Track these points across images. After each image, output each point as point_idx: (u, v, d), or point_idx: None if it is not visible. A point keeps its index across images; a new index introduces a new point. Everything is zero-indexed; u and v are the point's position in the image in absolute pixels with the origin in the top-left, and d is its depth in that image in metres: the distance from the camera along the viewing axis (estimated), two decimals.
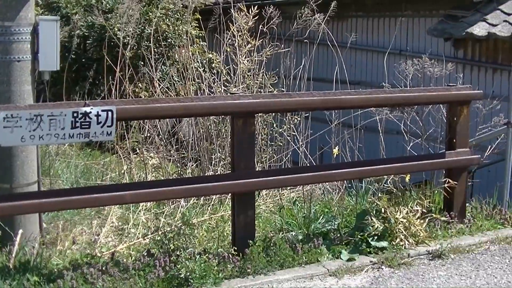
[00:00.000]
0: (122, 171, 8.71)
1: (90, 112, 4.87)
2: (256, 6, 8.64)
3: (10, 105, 5.12)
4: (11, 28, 5.71)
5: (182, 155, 8.88)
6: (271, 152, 8.59)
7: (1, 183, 5.87)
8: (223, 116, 7.93)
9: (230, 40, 8.62)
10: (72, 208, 6.14)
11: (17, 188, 5.84)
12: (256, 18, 8.53)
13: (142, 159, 8.90)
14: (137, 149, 9.13)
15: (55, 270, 5.39)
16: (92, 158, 9.63)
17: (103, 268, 5.22)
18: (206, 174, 8.03)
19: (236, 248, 5.64)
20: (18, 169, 5.84)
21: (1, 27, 5.72)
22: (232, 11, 8.72)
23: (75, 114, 4.86)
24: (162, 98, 7.19)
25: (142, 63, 10.63)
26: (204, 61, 9.57)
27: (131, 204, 6.90)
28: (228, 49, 8.66)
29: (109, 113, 4.92)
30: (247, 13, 8.52)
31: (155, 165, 8.83)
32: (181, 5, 11.93)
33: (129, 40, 9.56)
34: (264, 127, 8.62)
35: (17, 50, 5.74)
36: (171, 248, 5.65)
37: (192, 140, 8.69)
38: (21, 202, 5.13)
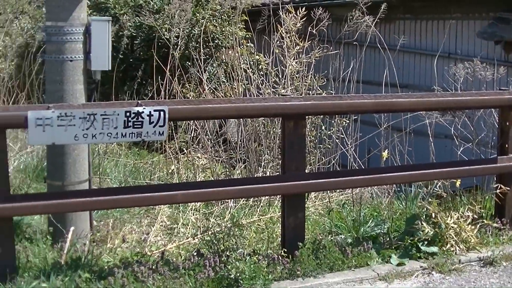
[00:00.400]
0: (170, 171, 8.76)
1: (143, 112, 4.89)
2: (304, 8, 8.62)
3: (64, 104, 5.16)
4: (64, 28, 5.78)
5: (230, 156, 8.89)
6: (319, 155, 8.54)
7: (53, 180, 5.95)
8: (272, 117, 7.91)
9: (278, 42, 8.60)
10: (123, 206, 6.19)
11: (69, 185, 5.90)
12: (304, 19, 8.51)
13: (189, 159, 8.94)
14: (184, 149, 9.16)
15: (106, 267, 5.43)
16: (140, 157, 9.69)
17: (153, 267, 5.24)
18: (255, 176, 8.02)
19: (285, 250, 5.62)
20: (70, 167, 5.90)
21: (54, 27, 5.79)
22: (281, 12, 8.70)
23: (127, 114, 4.88)
24: (214, 99, 7.19)
25: (189, 63, 10.65)
26: (252, 62, 9.56)
27: (180, 204, 6.92)
28: (277, 51, 8.63)
29: (161, 113, 4.94)
30: (295, 15, 8.49)
31: (202, 166, 8.85)
32: (228, 6, 11.95)
33: (177, 40, 9.58)
34: (313, 129, 8.59)
35: (69, 50, 5.81)
36: (221, 248, 5.65)
37: (240, 141, 8.69)
38: (72, 200, 5.18)
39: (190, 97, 9.99)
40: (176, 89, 9.22)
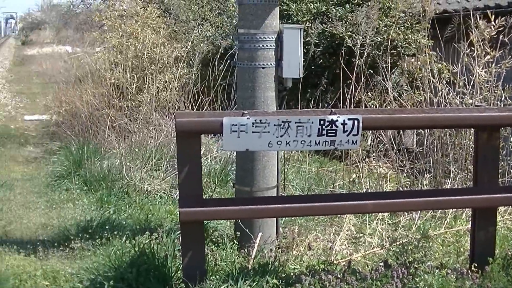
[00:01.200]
0: (351, 179, 8.70)
1: (337, 120, 4.86)
2: (493, 15, 8.30)
3: (258, 111, 5.23)
4: (256, 36, 5.86)
5: (411, 166, 8.71)
6: (507, 167, 8.20)
7: (242, 186, 6.05)
8: (465, 128, 7.68)
9: (468, 50, 8.33)
10: (312, 215, 6.20)
11: (257, 191, 5.98)
12: (497, 27, 8.20)
13: (370, 168, 8.84)
14: (365, 157, 9.07)
15: (292, 274, 5.45)
16: (320, 164, 9.69)
17: (340, 276, 5.19)
18: (444, 187, 7.82)
19: (475, 265, 5.41)
20: (259, 173, 5.98)
21: (247, 35, 5.89)
22: (471, 20, 8.42)
23: (322, 122, 4.86)
24: (407, 109, 7.09)
25: (371, 71, 10.56)
26: (435, 70, 9.33)
27: (366, 214, 6.85)
28: (466, 59, 8.37)
29: (355, 122, 4.88)
30: (493, 23, 8.18)
31: (383, 175, 8.73)
32: (410, 13, 11.75)
33: (359, 48, 9.51)
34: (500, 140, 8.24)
35: (262, 57, 5.88)
36: (409, 260, 5.53)
37: (423, 150, 8.50)
38: (262, 206, 5.22)
39: (373, 106, 9.88)
40: (358, 97, 9.15)
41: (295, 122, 4.83)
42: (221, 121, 4.73)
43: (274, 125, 4.81)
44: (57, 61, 25.11)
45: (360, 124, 4.89)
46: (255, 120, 4.77)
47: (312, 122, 4.86)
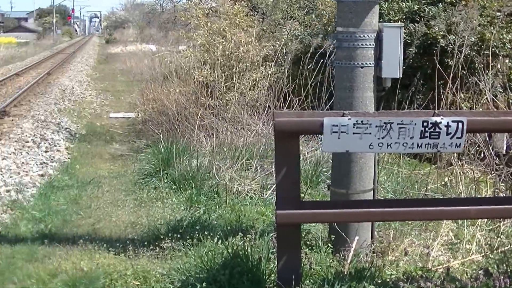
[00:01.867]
0: (443, 183, 8.45)
1: (440, 122, 4.67)
2: None
3: (359, 112, 5.08)
4: (355, 34, 5.72)
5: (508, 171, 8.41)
6: None
7: (338, 188, 5.91)
8: None
9: None
10: (412, 219, 6.02)
11: (353, 194, 5.84)
12: None
13: (463, 171, 8.57)
14: (457, 160, 8.80)
15: (389, 280, 5.30)
16: (412, 167, 9.45)
17: (439, 284, 5.02)
18: None
19: None
20: (356, 175, 5.83)
21: (346, 33, 5.75)
22: None
23: (425, 124, 4.68)
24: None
25: (464, 72, 10.25)
26: None
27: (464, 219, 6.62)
28: None
29: (460, 124, 4.69)
30: None
31: (476, 179, 8.45)
32: (505, 12, 11.39)
33: (456, 48, 9.24)
34: None
35: (360, 56, 5.74)
36: (511, 269, 5.30)
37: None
38: (359, 210, 5.08)
39: (466, 108, 9.60)
40: (451, 98, 8.88)
41: (397, 124, 4.67)
42: (321, 121, 4.60)
43: (376, 126, 4.66)
44: (141, 59, 25.43)
45: (465, 127, 4.69)
46: (356, 121, 4.63)
47: (415, 124, 4.69)
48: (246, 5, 14.43)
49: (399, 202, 5.94)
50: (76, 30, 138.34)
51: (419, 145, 4.73)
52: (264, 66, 12.08)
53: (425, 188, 8.29)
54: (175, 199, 8.17)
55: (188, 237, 6.32)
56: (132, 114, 16.39)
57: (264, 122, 10.70)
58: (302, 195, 7.55)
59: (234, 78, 11.77)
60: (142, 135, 13.23)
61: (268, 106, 10.88)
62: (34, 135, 13.60)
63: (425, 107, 10.15)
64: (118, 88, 24.91)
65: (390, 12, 11.88)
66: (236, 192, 8.19)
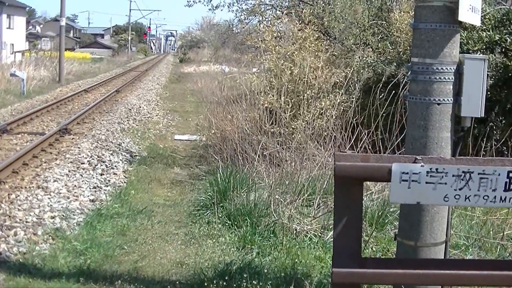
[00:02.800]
0: None
1: None
2: None
3: (434, 157, 4.38)
4: (433, 66, 5.05)
5: None
6: None
7: (405, 239, 5.23)
8: None
9: None
10: (495, 285, 5.26)
11: (423, 247, 5.14)
12: None
13: None
14: None
15: None
16: (486, 209, 8.64)
17: None
18: None
19: None
20: (426, 226, 5.14)
21: (422, 64, 5.09)
22: None
23: (510, 174, 3.98)
24: None
25: None
26: None
27: None
28: None
29: None
30: None
31: None
32: None
33: None
34: None
35: (437, 91, 5.06)
36: None
37: None
38: (430, 272, 4.35)
39: None
40: None
41: (478, 174, 3.97)
42: (389, 167, 3.95)
43: (453, 175, 3.97)
44: (212, 80, 25.06)
45: None
46: (430, 169, 3.96)
47: (499, 174, 3.98)
48: (317, 29, 13.82)
49: (476, 263, 5.19)
50: (151, 48, 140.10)
51: (503, 199, 4.03)
52: (334, 93, 11.42)
53: (501, 235, 7.52)
54: (228, 237, 7.57)
55: (235, 285, 5.70)
56: (197, 136, 15.91)
57: (330, 153, 10.04)
58: (366, 238, 6.91)
59: (301, 106, 11.15)
60: (203, 160, 12.72)
61: (335, 136, 10.22)
62: (91, 156, 13.21)
63: (503, 144, 9.42)
64: (187, 109, 24.57)
65: (469, 41, 11.11)
66: (294, 231, 7.54)
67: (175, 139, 17.37)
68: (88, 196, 10.14)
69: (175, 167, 13.06)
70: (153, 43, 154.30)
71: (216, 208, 8.48)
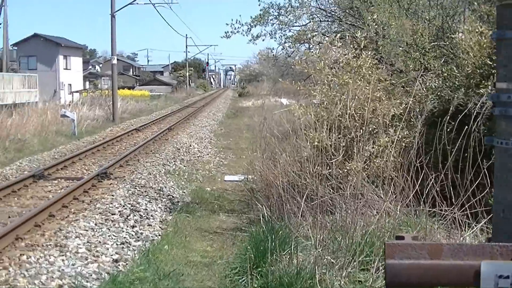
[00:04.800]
0: None
1: None
2: None
3: None
4: None
5: None
6: None
7: None
8: None
9: None
10: None
11: None
12: None
13: None
14: None
15: None
16: None
17: None
18: None
19: None
20: None
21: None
22: None
23: None
24: None
25: None
26: None
27: None
28: None
29: None
30: None
31: None
32: None
33: None
34: None
35: None
36: None
37: None
38: None
39: None
40: None
41: None
42: (475, 267, 2.40)
43: None
44: (270, 114, 23.65)
45: None
46: None
47: None
48: (373, 55, 12.22)
49: None
50: (211, 83, 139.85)
51: None
52: (394, 128, 9.80)
53: None
54: None
55: None
56: (243, 178, 14.44)
57: (392, 200, 8.45)
58: None
59: (357, 143, 9.57)
60: (250, 207, 11.24)
61: (395, 177, 8.62)
62: (123, 206, 11.81)
63: None
64: (241, 146, 23.18)
65: None
66: None
67: (225, 180, 16.00)
68: (112, 255, 8.76)
69: (220, 214, 11.72)
70: (213, 78, 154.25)
71: (249, 276, 6.93)
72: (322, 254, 6.76)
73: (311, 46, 16.04)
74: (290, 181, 9.58)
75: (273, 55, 20.84)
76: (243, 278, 7.11)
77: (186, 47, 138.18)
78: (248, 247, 7.92)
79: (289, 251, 7.11)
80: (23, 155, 19.98)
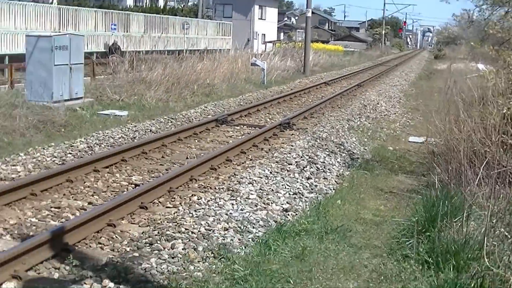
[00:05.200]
0: None
1: None
2: None
3: None
4: None
5: None
6: None
7: None
8: None
9: None
10: None
11: None
12: None
13: None
14: None
15: None
16: None
17: None
18: None
19: None
20: None
21: None
22: None
23: None
24: None
25: None
26: None
27: None
28: None
29: None
30: None
31: None
32: None
33: None
34: None
35: None
36: None
37: None
38: None
39: None
40: None
41: None
42: None
43: None
44: (463, 78, 22.81)
45: None
46: None
47: None
48: None
49: None
50: (407, 43, 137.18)
51: None
52: None
53: None
54: (422, 285, 5.79)
55: None
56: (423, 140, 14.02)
57: None
58: None
59: None
60: (429, 170, 10.89)
61: None
62: (301, 157, 11.79)
63: None
64: (430, 108, 22.53)
65: None
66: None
67: (409, 141, 15.65)
68: (282, 204, 8.77)
69: (399, 174, 11.50)
70: (410, 38, 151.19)
71: (415, 241, 6.68)
72: (495, 226, 6.40)
73: (509, 9, 15.23)
74: (473, 147, 9.17)
75: (468, 17, 19.97)
76: (410, 241, 6.90)
77: (384, 4, 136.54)
78: (420, 210, 7.69)
79: (460, 219, 6.80)
80: (210, 99, 20.52)
